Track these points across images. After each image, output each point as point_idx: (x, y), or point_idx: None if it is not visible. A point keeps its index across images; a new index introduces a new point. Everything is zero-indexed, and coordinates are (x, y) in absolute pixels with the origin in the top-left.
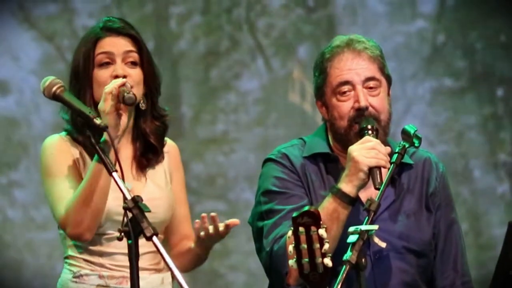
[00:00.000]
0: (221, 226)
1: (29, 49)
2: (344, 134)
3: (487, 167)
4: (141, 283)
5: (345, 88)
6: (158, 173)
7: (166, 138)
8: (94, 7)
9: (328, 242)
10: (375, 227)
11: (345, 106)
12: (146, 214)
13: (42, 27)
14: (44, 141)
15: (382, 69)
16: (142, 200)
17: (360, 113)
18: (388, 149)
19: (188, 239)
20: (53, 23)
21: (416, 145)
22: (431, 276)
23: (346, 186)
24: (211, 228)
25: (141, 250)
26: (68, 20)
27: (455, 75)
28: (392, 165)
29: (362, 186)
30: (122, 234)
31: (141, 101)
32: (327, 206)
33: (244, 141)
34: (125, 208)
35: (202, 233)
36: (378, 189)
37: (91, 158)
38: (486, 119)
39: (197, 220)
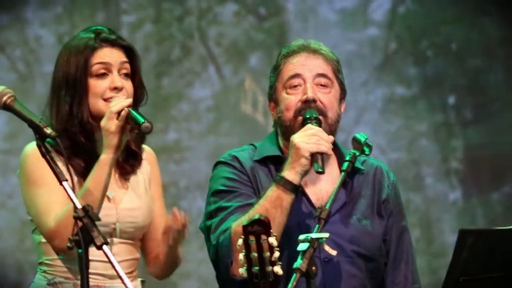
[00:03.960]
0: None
1: None
2: (289, 126)
3: (439, 175)
4: None
5: (296, 81)
6: (139, 181)
7: (142, 145)
8: (46, 17)
9: (278, 251)
10: (325, 235)
11: (293, 99)
12: (127, 221)
13: None
14: (24, 149)
15: (336, 73)
16: (92, 209)
17: (307, 105)
18: (331, 137)
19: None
20: (4, 33)
21: (366, 153)
22: (381, 282)
23: (289, 173)
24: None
25: (118, 258)
26: (19, 30)
27: (407, 83)
28: (343, 173)
29: (304, 173)
30: (72, 243)
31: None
32: (271, 194)
33: (196, 149)
34: (75, 218)
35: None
36: (318, 172)
37: (72, 168)
38: (437, 126)
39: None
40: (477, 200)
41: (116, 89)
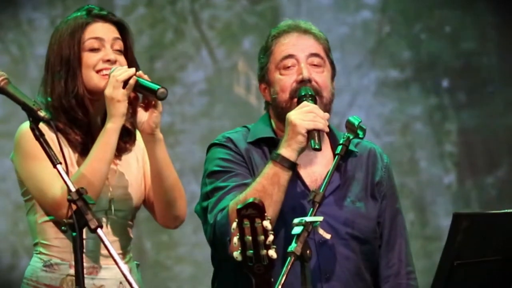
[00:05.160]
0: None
1: None
2: (285, 108)
3: (433, 158)
4: (110, 272)
5: (289, 62)
6: (131, 159)
7: None
8: (38, 0)
9: (272, 234)
10: (320, 218)
11: (288, 80)
12: (120, 199)
13: None
14: (19, 129)
15: (327, 52)
16: (86, 192)
17: (303, 85)
18: (327, 114)
19: None
20: None
21: (360, 136)
22: (375, 264)
23: (286, 150)
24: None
25: (111, 238)
26: (12, 13)
27: (400, 66)
28: (337, 156)
29: (301, 150)
30: (67, 226)
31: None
32: (267, 172)
33: (189, 132)
34: (69, 201)
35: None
36: (315, 149)
37: (69, 143)
38: (431, 109)
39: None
40: (471, 183)
41: (109, 61)
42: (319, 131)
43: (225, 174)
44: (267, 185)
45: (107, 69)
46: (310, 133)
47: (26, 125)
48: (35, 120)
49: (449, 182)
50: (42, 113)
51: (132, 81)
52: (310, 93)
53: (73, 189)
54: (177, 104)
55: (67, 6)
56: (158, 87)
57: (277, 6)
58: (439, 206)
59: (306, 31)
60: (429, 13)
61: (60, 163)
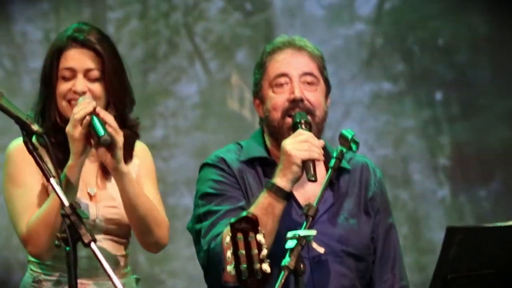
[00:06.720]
0: None
1: None
2: (277, 127)
3: (427, 171)
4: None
5: (282, 80)
6: None
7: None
8: (31, 13)
9: (266, 248)
10: (313, 232)
11: (280, 98)
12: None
13: None
14: (8, 146)
15: (322, 70)
16: (79, 206)
17: (295, 104)
18: (322, 142)
19: None
20: None
21: (353, 149)
22: (369, 280)
23: (281, 180)
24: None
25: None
26: (5, 26)
27: (394, 79)
28: (330, 169)
29: (296, 180)
30: (60, 241)
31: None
32: (262, 201)
33: (183, 146)
34: (63, 215)
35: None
36: (311, 180)
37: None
38: (425, 122)
39: None
40: (465, 196)
41: (76, 93)
42: (314, 161)
43: (218, 197)
44: (261, 215)
45: (75, 100)
46: (305, 163)
47: (14, 143)
48: (28, 134)
49: (442, 195)
50: (35, 127)
51: (85, 121)
52: (305, 119)
53: (66, 203)
54: (171, 117)
55: (60, 19)
56: (103, 133)
57: (271, 19)
58: (433, 219)
59: (300, 48)
60: (423, 25)
61: (54, 176)
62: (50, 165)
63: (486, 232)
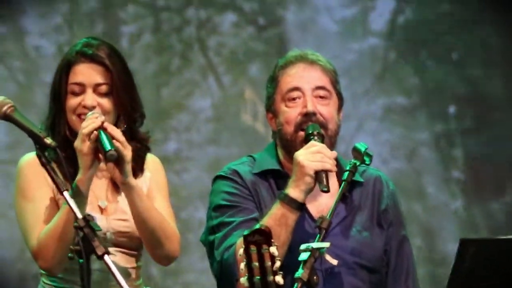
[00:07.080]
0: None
1: None
2: (290, 140)
3: (440, 184)
4: None
5: (295, 94)
6: None
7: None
8: (45, 27)
9: (279, 260)
10: (326, 244)
11: (293, 112)
12: (119, 231)
13: None
14: (20, 160)
15: (334, 83)
16: (93, 219)
17: (307, 118)
18: (334, 153)
19: None
20: (3, 44)
21: (367, 162)
22: None
23: (294, 191)
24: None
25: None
26: (18, 41)
27: (407, 92)
28: (343, 182)
29: (309, 190)
30: (73, 253)
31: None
32: (275, 212)
33: (196, 160)
34: (76, 227)
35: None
36: (323, 191)
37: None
38: (438, 136)
39: None
40: (478, 209)
41: (86, 107)
42: (327, 171)
43: (232, 209)
44: (274, 226)
45: (85, 114)
46: (318, 173)
47: (25, 158)
48: (41, 148)
49: (456, 208)
50: (48, 140)
51: (93, 135)
52: (317, 131)
53: (79, 216)
54: (184, 131)
55: (73, 33)
56: (109, 148)
57: (284, 33)
58: (446, 232)
59: (313, 63)
60: (436, 39)
61: (67, 189)
62: (61, 179)
63: (500, 244)
